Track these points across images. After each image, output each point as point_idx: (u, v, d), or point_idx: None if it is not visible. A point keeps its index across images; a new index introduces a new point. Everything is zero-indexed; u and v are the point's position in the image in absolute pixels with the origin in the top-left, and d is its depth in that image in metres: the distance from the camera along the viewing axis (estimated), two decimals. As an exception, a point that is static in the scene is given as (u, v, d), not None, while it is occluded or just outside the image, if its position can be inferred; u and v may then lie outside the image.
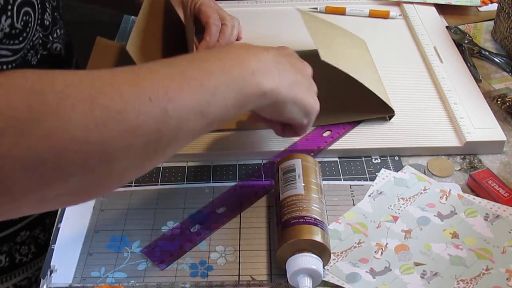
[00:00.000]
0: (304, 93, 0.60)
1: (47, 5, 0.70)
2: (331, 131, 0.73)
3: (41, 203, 0.45)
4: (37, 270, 0.81)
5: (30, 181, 0.42)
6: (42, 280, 0.58)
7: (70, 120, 0.42)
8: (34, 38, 0.68)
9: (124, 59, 0.79)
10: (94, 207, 0.66)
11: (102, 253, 0.61)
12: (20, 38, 0.65)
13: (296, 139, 0.72)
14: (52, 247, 0.61)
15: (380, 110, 0.74)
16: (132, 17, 1.02)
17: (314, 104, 0.62)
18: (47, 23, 0.70)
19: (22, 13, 0.63)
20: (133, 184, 0.69)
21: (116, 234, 0.62)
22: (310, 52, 0.84)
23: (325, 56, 0.68)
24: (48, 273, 0.58)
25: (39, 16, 0.68)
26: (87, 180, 0.44)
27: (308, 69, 0.64)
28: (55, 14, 0.73)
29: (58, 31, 0.74)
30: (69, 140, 0.42)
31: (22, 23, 0.64)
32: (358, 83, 0.70)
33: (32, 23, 0.66)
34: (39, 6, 0.67)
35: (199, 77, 0.50)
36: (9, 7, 0.61)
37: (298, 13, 1.01)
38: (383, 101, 0.72)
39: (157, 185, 0.69)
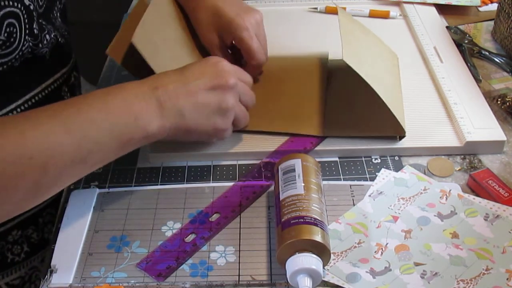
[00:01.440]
0: (199, 120, 0.62)
1: (35, 14, 0.69)
2: None
3: None
4: (30, 269, 0.81)
5: None
6: (42, 280, 0.58)
7: None
8: (23, 48, 0.68)
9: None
10: (94, 207, 0.66)
11: (102, 253, 0.60)
12: (4, 47, 0.65)
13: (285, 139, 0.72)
14: (52, 247, 0.61)
15: (391, 129, 0.71)
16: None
17: (214, 127, 0.64)
18: (36, 31, 0.70)
19: (5, 24, 0.64)
20: (133, 184, 0.69)
21: (116, 234, 0.62)
22: (331, 61, 0.84)
23: (347, 58, 0.66)
24: (48, 273, 0.58)
25: (27, 26, 0.67)
26: None
27: (227, 81, 0.63)
28: (40, 20, 0.73)
29: (47, 36, 0.73)
30: None
31: (5, 34, 0.64)
32: (374, 96, 0.68)
33: (18, 34, 0.66)
34: (25, 16, 0.67)
35: (82, 128, 0.55)
36: None
37: (298, 13, 1.01)
38: (396, 119, 0.69)
39: (157, 185, 0.69)
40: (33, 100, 0.74)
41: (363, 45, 0.78)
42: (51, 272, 0.58)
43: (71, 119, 0.55)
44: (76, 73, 0.86)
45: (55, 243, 0.62)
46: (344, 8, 0.99)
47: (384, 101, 0.68)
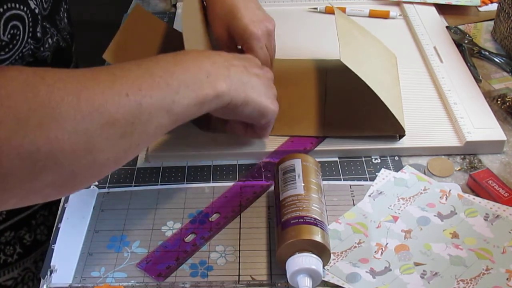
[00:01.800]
0: (258, 95, 0.63)
1: (39, 17, 0.69)
2: None
3: (28, 195, 0.48)
4: (23, 270, 0.81)
5: (24, 170, 0.45)
6: (42, 280, 0.58)
7: (60, 112, 0.46)
8: (24, 50, 0.68)
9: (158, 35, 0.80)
10: (94, 207, 0.66)
11: (102, 253, 0.60)
12: (6, 50, 0.65)
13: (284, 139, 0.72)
14: (52, 247, 0.61)
15: (391, 128, 0.71)
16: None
17: (269, 105, 0.65)
18: (39, 35, 0.70)
19: (9, 26, 0.64)
20: (133, 184, 0.69)
21: (116, 234, 0.62)
22: (329, 61, 0.84)
23: (345, 59, 0.67)
24: (48, 273, 0.58)
25: (30, 30, 0.67)
26: (73, 170, 0.48)
27: (267, 74, 0.67)
28: (44, 23, 0.73)
29: (49, 40, 0.73)
30: (59, 129, 0.46)
31: (9, 36, 0.64)
32: (373, 96, 0.68)
33: (21, 36, 0.66)
34: (30, 19, 0.67)
35: (165, 77, 0.55)
36: None
37: (298, 13, 1.01)
38: (394, 119, 0.69)
39: (157, 185, 0.69)
40: None
41: (361, 45, 0.78)
42: (51, 272, 0.58)
43: (153, 69, 0.55)
44: None
45: (55, 243, 0.62)
46: (344, 8, 0.99)
47: (383, 100, 0.68)
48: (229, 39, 0.77)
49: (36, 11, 0.68)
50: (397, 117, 0.69)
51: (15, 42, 0.66)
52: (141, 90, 0.52)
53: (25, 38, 0.67)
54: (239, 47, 0.78)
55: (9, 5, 0.63)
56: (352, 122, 0.73)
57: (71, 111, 0.46)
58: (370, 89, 0.67)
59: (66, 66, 0.82)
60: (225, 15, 0.76)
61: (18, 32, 0.66)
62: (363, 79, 0.67)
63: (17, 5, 0.64)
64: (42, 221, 0.81)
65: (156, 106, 0.53)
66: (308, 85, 0.81)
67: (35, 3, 0.68)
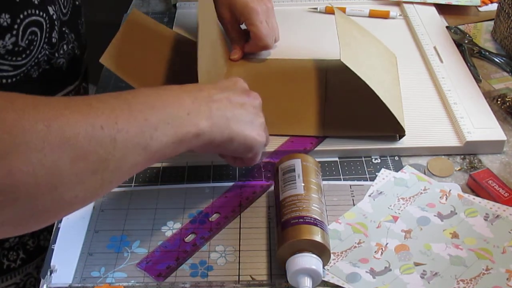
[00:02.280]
0: (243, 129, 0.60)
1: (56, 23, 0.69)
2: None
3: None
4: (25, 276, 0.80)
5: None
6: (42, 280, 0.58)
7: (26, 141, 0.42)
8: (39, 56, 0.68)
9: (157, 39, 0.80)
10: (94, 207, 0.66)
11: (102, 253, 0.60)
12: (23, 55, 0.65)
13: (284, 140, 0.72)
14: (52, 247, 0.61)
15: (390, 128, 0.71)
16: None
17: (256, 138, 0.61)
18: (54, 40, 0.70)
19: (28, 32, 0.64)
20: (133, 184, 0.69)
21: (116, 234, 0.62)
22: (329, 61, 0.85)
23: (345, 59, 0.67)
24: (48, 273, 0.58)
25: (47, 35, 0.68)
26: (35, 207, 0.44)
27: (255, 101, 0.62)
28: (63, 29, 0.73)
29: (65, 47, 0.73)
30: (24, 161, 0.42)
31: (27, 41, 0.64)
32: (373, 96, 0.68)
33: (38, 42, 0.67)
34: (48, 25, 0.67)
35: (144, 111, 0.52)
36: (15, 26, 0.62)
37: (298, 13, 1.01)
38: (394, 119, 0.69)
39: (157, 185, 0.68)
40: None
41: (361, 45, 0.78)
42: (51, 272, 0.58)
43: (132, 102, 0.52)
44: (85, 84, 0.86)
45: (55, 243, 0.62)
46: (344, 8, 0.99)
47: (383, 100, 0.68)
48: (232, 18, 0.83)
49: (54, 17, 0.68)
50: (397, 117, 0.69)
51: (32, 47, 0.66)
52: (117, 124, 0.48)
53: (41, 43, 0.67)
54: (243, 27, 0.83)
55: (29, 11, 0.63)
56: (352, 122, 0.73)
57: (39, 141, 0.42)
58: (370, 89, 0.67)
59: (78, 73, 0.82)
60: None
61: (36, 38, 0.66)
62: (363, 79, 0.67)
63: (37, 11, 0.65)
64: (45, 227, 0.81)
65: (132, 142, 0.50)
66: (308, 84, 0.81)
67: (54, 9, 0.68)
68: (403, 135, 0.71)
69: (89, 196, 0.49)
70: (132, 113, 0.50)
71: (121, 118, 0.49)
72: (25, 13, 0.63)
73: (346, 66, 0.66)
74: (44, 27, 0.67)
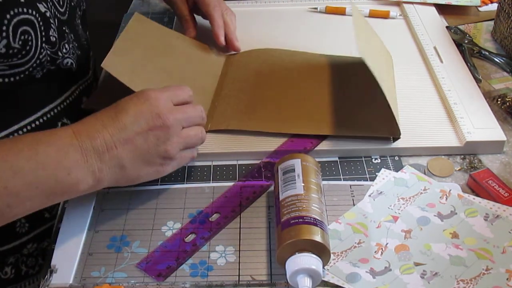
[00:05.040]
0: (140, 170, 0.59)
1: (52, 21, 0.68)
2: None
3: None
4: None
5: None
6: (42, 280, 0.58)
7: None
8: (41, 57, 0.67)
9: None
10: (94, 207, 0.66)
11: (102, 253, 0.61)
12: (19, 56, 0.64)
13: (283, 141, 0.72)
14: (52, 247, 0.61)
15: (386, 130, 0.71)
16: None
17: (155, 173, 0.61)
18: (53, 39, 0.68)
19: (19, 32, 0.63)
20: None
21: (116, 234, 0.62)
22: (340, 57, 0.85)
23: (366, 59, 0.65)
24: (48, 273, 0.58)
25: (43, 34, 0.66)
26: None
27: (168, 120, 0.59)
28: (64, 28, 0.72)
29: (67, 46, 0.72)
30: None
31: (20, 42, 0.63)
32: (372, 98, 0.67)
33: (34, 42, 0.65)
34: (41, 24, 0.66)
35: (4, 177, 0.50)
36: (4, 27, 0.61)
37: (298, 13, 1.01)
38: (392, 121, 0.69)
39: (157, 185, 0.68)
40: (52, 113, 0.74)
41: (372, 46, 0.78)
42: (51, 272, 0.58)
43: None
44: (95, 84, 0.87)
45: (55, 243, 0.62)
46: (344, 8, 0.99)
47: (389, 102, 0.68)
48: (190, 12, 0.89)
49: (48, 14, 0.67)
50: (396, 118, 0.70)
51: (28, 48, 0.65)
52: None
53: (39, 43, 0.66)
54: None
55: (16, 10, 0.62)
56: (349, 122, 0.73)
57: None
58: (370, 90, 0.67)
59: (86, 71, 0.82)
60: None
61: (30, 38, 0.64)
62: (378, 81, 0.66)
63: (25, 9, 0.63)
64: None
65: None
66: (314, 82, 0.80)
67: (46, 6, 0.67)
68: (398, 138, 0.71)
69: None
70: None
71: None
72: (12, 12, 0.62)
73: (348, 66, 0.66)
74: (37, 25, 0.65)
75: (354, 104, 0.75)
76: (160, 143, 0.59)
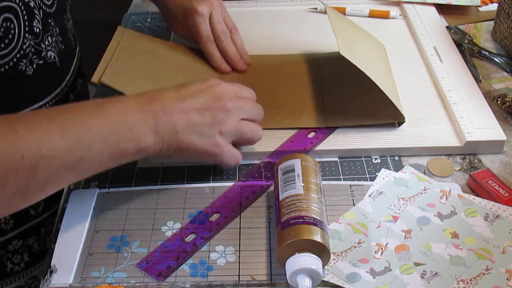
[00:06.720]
0: (195, 141, 0.61)
1: (36, 12, 0.68)
2: (315, 132, 0.73)
3: None
4: (30, 279, 0.80)
5: None
6: (42, 280, 0.58)
7: None
8: (24, 47, 0.67)
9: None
10: (94, 207, 0.66)
11: (102, 253, 0.60)
12: (2, 45, 0.64)
13: (282, 141, 0.72)
14: (52, 247, 0.61)
15: (390, 116, 0.72)
16: (132, 17, 1.02)
17: (209, 149, 0.62)
18: (37, 30, 0.69)
19: (1, 19, 0.63)
20: (133, 184, 0.69)
21: (116, 234, 0.62)
22: (320, 54, 0.85)
23: (344, 51, 0.67)
24: (48, 273, 0.58)
25: (26, 23, 0.66)
26: None
27: (228, 104, 0.62)
28: (49, 21, 0.72)
29: (49, 38, 0.72)
30: None
31: (2, 29, 0.63)
32: (370, 86, 0.69)
33: (17, 30, 0.65)
34: (24, 13, 0.66)
35: (77, 133, 0.53)
36: None
37: (297, 13, 1.01)
38: (393, 106, 0.71)
39: (157, 185, 0.68)
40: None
41: (354, 38, 0.79)
42: (51, 272, 0.58)
43: (66, 123, 0.54)
44: (81, 81, 0.86)
45: (55, 243, 0.62)
46: (344, 8, 0.99)
47: (382, 88, 0.69)
48: (186, 30, 0.84)
49: (31, 4, 0.67)
50: (395, 103, 0.70)
51: (10, 36, 0.65)
52: (40, 151, 0.51)
53: (22, 33, 0.66)
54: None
55: None
56: (352, 112, 0.74)
57: None
58: (368, 79, 0.69)
59: (69, 67, 0.82)
60: (174, 10, 0.85)
61: (12, 26, 0.65)
62: (362, 69, 0.68)
63: None
64: (51, 230, 0.80)
65: (57, 166, 0.52)
66: (302, 78, 0.82)
67: None
68: (403, 122, 0.72)
69: (11, 210, 0.54)
70: (63, 136, 0.53)
71: (46, 144, 0.51)
72: None
73: (340, 58, 0.67)
74: (20, 14, 0.65)
75: (354, 95, 0.76)
76: (216, 123, 0.62)
